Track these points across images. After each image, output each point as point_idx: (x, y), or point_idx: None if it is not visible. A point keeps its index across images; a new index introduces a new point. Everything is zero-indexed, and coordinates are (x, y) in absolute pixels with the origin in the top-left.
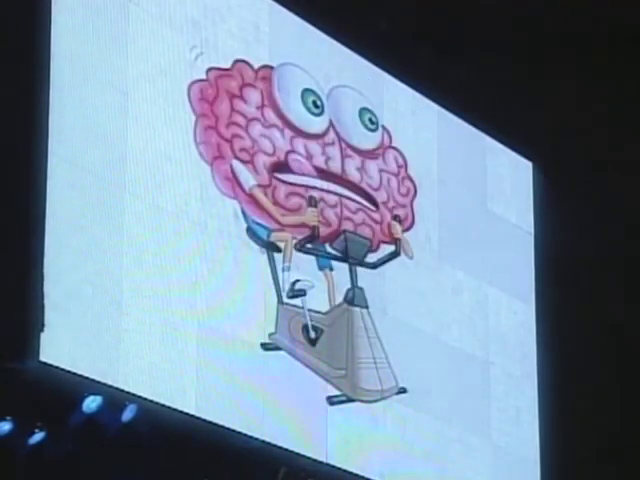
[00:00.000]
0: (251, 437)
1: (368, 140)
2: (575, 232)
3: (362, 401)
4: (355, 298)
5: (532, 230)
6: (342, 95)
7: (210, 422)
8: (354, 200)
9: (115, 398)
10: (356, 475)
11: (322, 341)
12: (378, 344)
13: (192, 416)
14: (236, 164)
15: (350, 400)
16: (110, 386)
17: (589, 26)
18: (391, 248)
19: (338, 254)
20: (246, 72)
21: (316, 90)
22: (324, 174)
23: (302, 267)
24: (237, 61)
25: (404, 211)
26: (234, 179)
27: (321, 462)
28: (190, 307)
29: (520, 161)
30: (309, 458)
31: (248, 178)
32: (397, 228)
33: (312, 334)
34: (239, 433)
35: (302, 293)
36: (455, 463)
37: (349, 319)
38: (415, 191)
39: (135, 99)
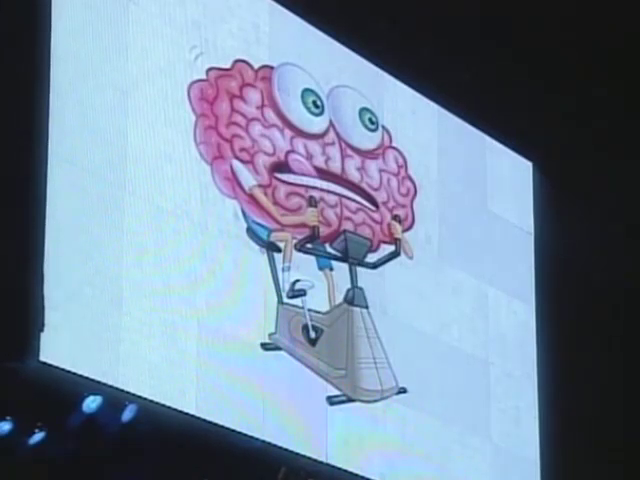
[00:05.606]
0: (251, 437)
1: (368, 140)
2: (575, 232)
3: (362, 401)
4: (355, 298)
5: (532, 230)
6: (342, 95)
7: (210, 422)
8: (354, 200)
9: (115, 398)
10: (356, 475)
11: (322, 341)
12: (378, 344)
13: (192, 416)
14: (236, 164)
15: (350, 400)
16: (110, 386)
17: (589, 26)
18: (391, 248)
19: (338, 254)
20: (246, 72)
21: (316, 90)
22: (324, 174)
23: (302, 267)
24: (237, 61)
25: (404, 211)
26: (234, 179)
27: (321, 462)
28: (190, 307)
29: (520, 161)
30: (309, 458)
31: (248, 178)
32: (397, 228)
33: (312, 334)
34: (239, 433)
35: (302, 293)
36: (455, 463)
37: (349, 319)
38: (415, 191)
39: (135, 99)
